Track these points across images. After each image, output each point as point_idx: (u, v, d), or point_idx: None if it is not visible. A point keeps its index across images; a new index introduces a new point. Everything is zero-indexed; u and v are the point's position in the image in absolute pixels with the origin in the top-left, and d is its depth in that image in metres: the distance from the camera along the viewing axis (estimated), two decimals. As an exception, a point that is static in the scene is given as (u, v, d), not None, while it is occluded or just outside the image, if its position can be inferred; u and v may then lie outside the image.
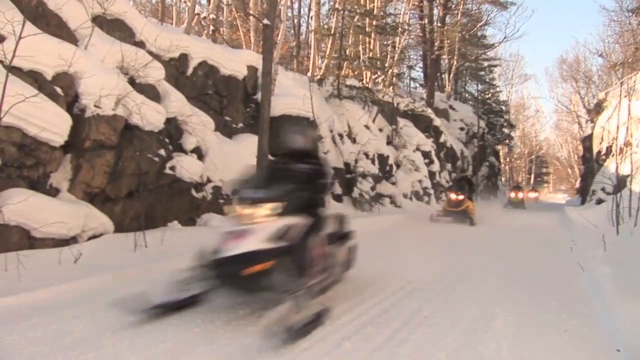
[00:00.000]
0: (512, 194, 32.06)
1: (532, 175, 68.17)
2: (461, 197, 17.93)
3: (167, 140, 10.80)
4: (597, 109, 28.45)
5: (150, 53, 11.13)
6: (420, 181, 23.98)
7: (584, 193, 28.98)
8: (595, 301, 6.39)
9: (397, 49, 28.42)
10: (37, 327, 4.76)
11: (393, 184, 21.09)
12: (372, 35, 25.24)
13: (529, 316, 5.64)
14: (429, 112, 29.23)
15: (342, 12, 21.89)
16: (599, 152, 23.47)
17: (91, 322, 4.98)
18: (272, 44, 13.09)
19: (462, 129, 36.51)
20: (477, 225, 17.13)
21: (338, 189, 17.64)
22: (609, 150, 21.21)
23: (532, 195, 37.41)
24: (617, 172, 13.90)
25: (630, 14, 29.39)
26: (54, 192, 8.38)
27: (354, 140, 19.46)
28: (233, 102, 13.94)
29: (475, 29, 37.87)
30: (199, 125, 11.47)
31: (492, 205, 28.75)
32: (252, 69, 14.44)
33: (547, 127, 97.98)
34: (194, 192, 11.32)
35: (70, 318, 5.06)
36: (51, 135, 7.95)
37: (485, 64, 46.49)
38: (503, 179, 53.82)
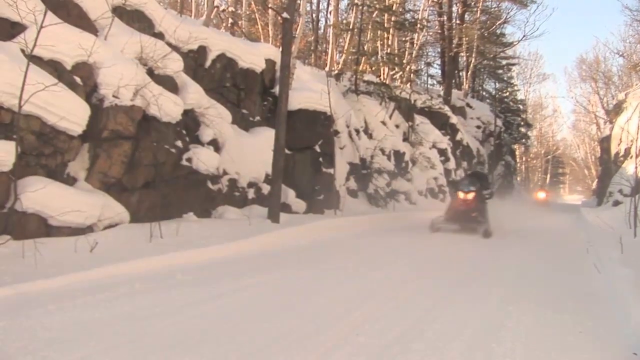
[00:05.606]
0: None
1: (548, 176, 67.64)
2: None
3: (184, 131, 10.83)
4: (616, 110, 28.16)
5: (169, 44, 11.16)
6: (435, 178, 23.89)
7: (600, 194, 28.68)
8: (611, 303, 6.31)
9: (415, 45, 28.30)
10: (53, 313, 4.80)
11: (408, 180, 21.03)
12: (391, 31, 25.14)
13: (543, 316, 5.59)
14: (446, 109, 29.06)
15: (361, 7, 21.82)
16: (617, 153, 23.21)
17: (107, 310, 5.01)
18: (290, 38, 13.08)
19: (478, 127, 36.27)
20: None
21: (353, 185, 17.65)
22: (627, 151, 20.97)
23: (541, 195, 35.62)
24: (635, 174, 13.76)
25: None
26: (71, 181, 8.45)
27: (370, 136, 19.41)
28: (251, 95, 13.94)
29: (494, 27, 37.57)
30: (216, 118, 11.49)
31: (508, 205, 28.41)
32: (270, 63, 14.42)
33: (564, 127, 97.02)
34: (209, 184, 11.36)
35: (87, 306, 5.10)
36: (70, 124, 8.01)
37: (504, 62, 46.17)
38: (519, 178, 53.45)
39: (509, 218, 16.02)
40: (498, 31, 39.08)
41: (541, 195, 35.46)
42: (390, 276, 7.50)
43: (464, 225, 13.84)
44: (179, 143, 10.51)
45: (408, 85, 25.81)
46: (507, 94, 46.36)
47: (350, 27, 22.17)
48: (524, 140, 50.17)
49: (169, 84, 10.60)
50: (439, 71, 40.76)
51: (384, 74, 25.16)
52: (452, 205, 14.51)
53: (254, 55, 13.91)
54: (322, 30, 28.72)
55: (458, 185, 15.10)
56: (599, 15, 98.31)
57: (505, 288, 7.08)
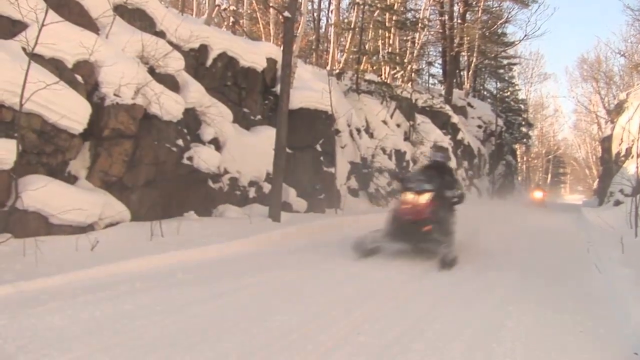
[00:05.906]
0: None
1: (549, 175, 67.62)
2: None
3: (185, 130, 10.83)
4: (617, 110, 28.14)
5: (171, 43, 11.14)
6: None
7: (601, 194, 28.63)
8: (612, 303, 6.31)
9: (416, 44, 28.28)
10: (54, 312, 4.80)
11: (409, 180, 20.96)
12: (392, 30, 25.10)
13: (543, 316, 5.59)
14: (447, 109, 29.06)
15: (362, 6, 21.78)
16: (618, 153, 23.19)
17: (108, 308, 5.02)
18: (292, 37, 13.06)
19: (479, 126, 36.23)
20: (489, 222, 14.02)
21: (354, 184, 17.64)
22: (628, 151, 20.94)
23: (538, 195, 31.17)
24: (636, 173, 13.74)
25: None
26: (72, 179, 8.45)
27: (371, 135, 19.39)
28: (252, 94, 13.92)
29: (496, 26, 37.56)
30: (217, 117, 11.49)
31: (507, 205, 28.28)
32: (271, 62, 14.38)
33: (565, 127, 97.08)
34: (210, 183, 11.37)
35: (88, 304, 5.10)
36: (71, 122, 8.01)
37: (505, 62, 46.10)
38: (520, 178, 53.39)
39: (505, 218, 15.93)
40: (499, 31, 39.10)
41: (538, 194, 31.72)
42: (391, 276, 7.50)
43: (411, 244, 8.98)
44: (180, 142, 10.51)
45: (409, 84, 25.78)
46: (508, 93, 46.25)
47: (352, 26, 22.16)
48: (525, 140, 50.06)
49: (170, 82, 10.59)
50: (440, 70, 40.71)
51: (385, 73, 25.14)
52: (395, 214, 8.88)
53: (255, 54, 13.88)
54: (323, 30, 28.70)
55: (406, 182, 9.18)
56: (601, 15, 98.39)
57: (505, 288, 7.07)
